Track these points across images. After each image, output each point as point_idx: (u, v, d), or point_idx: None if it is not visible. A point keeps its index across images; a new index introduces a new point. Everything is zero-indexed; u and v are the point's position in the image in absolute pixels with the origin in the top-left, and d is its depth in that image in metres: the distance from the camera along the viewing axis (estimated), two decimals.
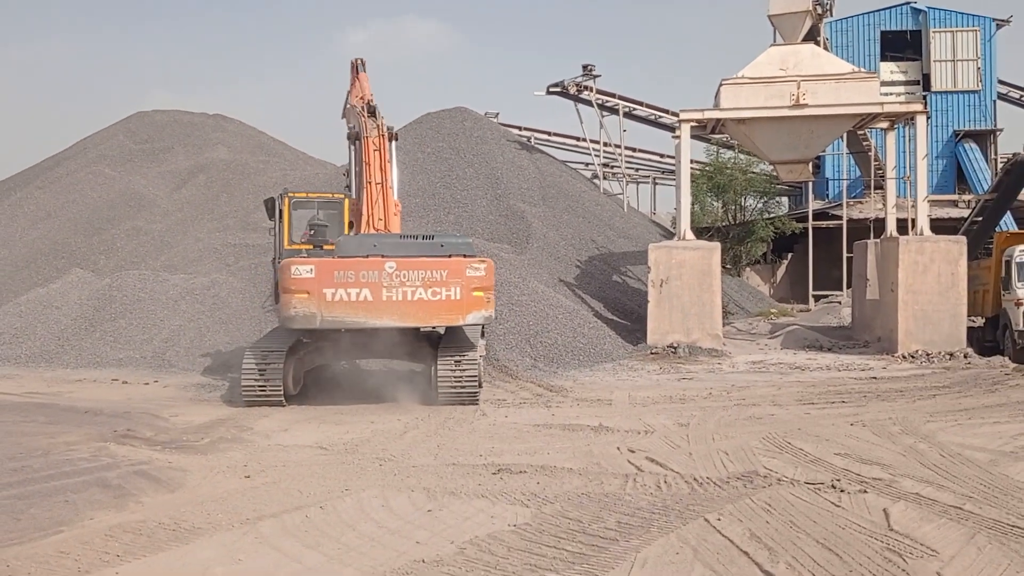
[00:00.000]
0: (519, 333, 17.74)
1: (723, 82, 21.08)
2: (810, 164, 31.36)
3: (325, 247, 13.52)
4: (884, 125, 21.65)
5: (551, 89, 34.23)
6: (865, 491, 7.69)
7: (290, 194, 14.22)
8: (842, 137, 30.55)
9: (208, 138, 32.60)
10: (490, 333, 16.68)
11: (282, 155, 33.09)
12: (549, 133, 39.07)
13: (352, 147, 14.09)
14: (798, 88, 20.13)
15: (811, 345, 21.15)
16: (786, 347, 21.10)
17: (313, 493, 7.46)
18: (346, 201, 14.21)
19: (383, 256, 12.16)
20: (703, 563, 5.90)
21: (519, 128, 37.80)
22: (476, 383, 12.70)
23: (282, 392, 12.26)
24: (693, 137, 31.62)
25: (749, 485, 7.97)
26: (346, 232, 13.96)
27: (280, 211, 14.01)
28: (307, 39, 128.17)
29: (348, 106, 15.43)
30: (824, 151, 34.12)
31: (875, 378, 15.70)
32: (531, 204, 27.36)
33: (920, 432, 10.34)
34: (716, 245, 20.70)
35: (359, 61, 15.95)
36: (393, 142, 13.68)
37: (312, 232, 14.11)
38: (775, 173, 24.81)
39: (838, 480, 8.05)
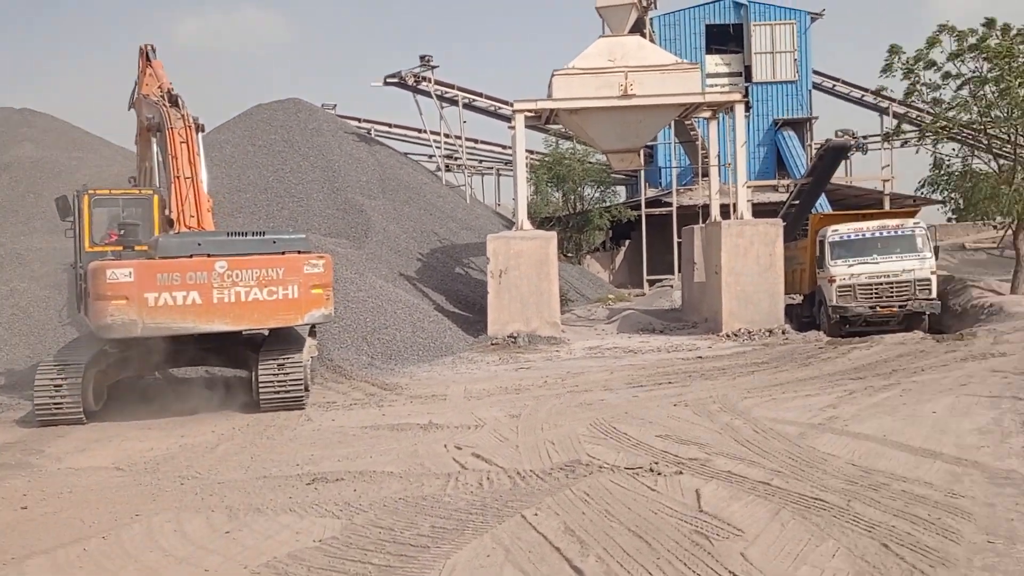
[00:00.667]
0: (355, 331, 17.24)
1: (555, 73, 21.24)
2: (641, 153, 32.32)
3: (137, 248, 12.56)
4: (707, 115, 22.47)
5: (389, 80, 33.66)
6: (681, 472, 7.79)
7: (90, 191, 13.11)
8: (670, 127, 31.64)
9: (13, 134, 30.01)
10: (324, 332, 16.11)
11: (99, 151, 30.87)
12: (389, 125, 38.49)
13: (153, 139, 13.15)
14: (626, 79, 20.54)
15: (645, 328, 21.72)
16: (622, 331, 21.57)
17: (98, 522, 6.80)
18: (155, 198, 13.25)
19: (210, 255, 11.39)
20: (513, 564, 5.74)
21: (358, 120, 37.01)
22: (301, 386, 12.14)
23: (81, 409, 11.27)
24: (532, 128, 31.85)
25: (571, 475, 7.92)
26: (156, 232, 13.01)
27: (79, 210, 12.89)
28: (136, 28, 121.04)
29: (140, 96, 14.42)
30: (655, 140, 35.29)
31: (701, 358, 16.23)
32: (370, 197, 26.78)
33: (737, 409, 10.67)
34: (552, 234, 20.88)
35: (149, 47, 14.95)
36: (200, 133, 12.84)
37: (122, 232, 13.06)
38: (608, 162, 25.31)
39: (656, 463, 8.13)
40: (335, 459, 9.10)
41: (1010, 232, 43.59)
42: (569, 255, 35.44)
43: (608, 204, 36.15)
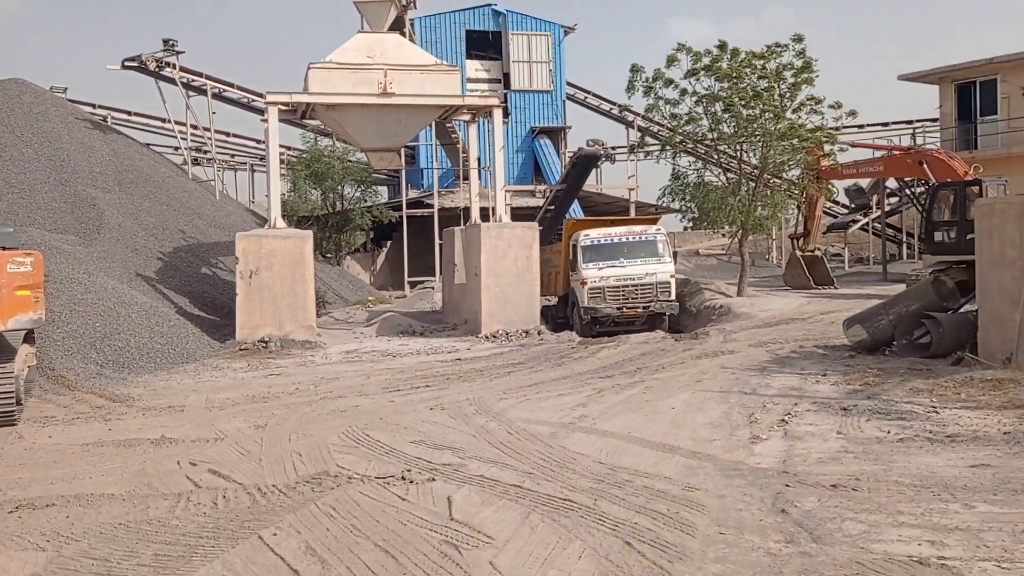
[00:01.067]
0: (82, 337, 15.51)
1: (311, 66, 20.46)
2: (402, 153, 32.04)
3: None
4: (467, 117, 22.62)
5: (127, 63, 30.97)
6: (433, 479, 7.56)
7: None
8: (431, 128, 31.68)
9: None
10: (45, 338, 14.34)
11: None
12: (129, 113, 35.45)
13: None
14: (385, 76, 20.18)
15: (405, 331, 21.47)
16: (381, 334, 21.17)
17: None
18: None
19: None
20: None
21: (92, 106, 33.77)
22: (11, 400, 10.65)
23: None
24: (287, 122, 30.68)
25: (317, 488, 7.45)
26: None
27: None
28: None
29: None
30: (416, 141, 35.23)
31: (460, 360, 16.21)
32: (104, 190, 24.39)
33: (493, 411, 10.66)
34: (308, 233, 20.07)
35: None
36: None
37: None
38: (368, 161, 24.82)
39: (408, 471, 7.85)
40: (47, 482, 7.99)
41: (736, 240, 48.21)
42: (328, 256, 34.43)
43: (369, 204, 35.54)
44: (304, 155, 34.77)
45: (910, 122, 40.99)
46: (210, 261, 25.03)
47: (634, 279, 21.46)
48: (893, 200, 36.84)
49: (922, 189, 34.94)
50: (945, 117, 30.09)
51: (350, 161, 34.10)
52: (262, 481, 7.80)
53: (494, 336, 19.43)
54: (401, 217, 34.01)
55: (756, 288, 26.11)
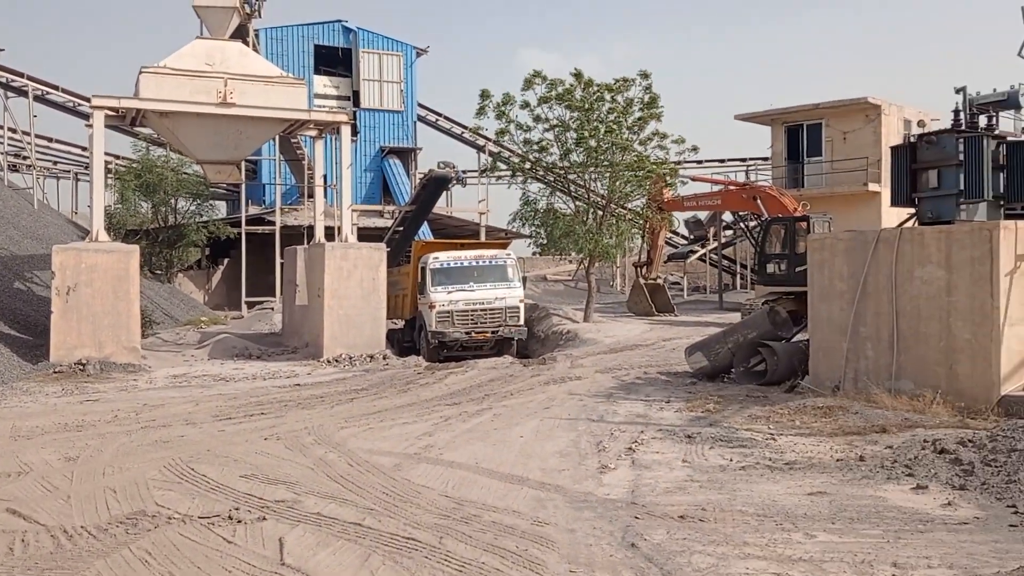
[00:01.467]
0: None
1: (143, 70, 19.17)
2: (242, 167, 30.73)
3: None
4: (313, 133, 21.86)
5: None
6: (264, 518, 6.94)
7: None
8: (275, 142, 30.53)
9: None
10: None
11: None
12: None
13: None
14: (225, 86, 19.17)
15: (240, 354, 20.34)
16: (214, 357, 19.96)
17: None
18: None
19: None
20: None
21: None
22: None
23: None
24: (116, 128, 28.66)
25: (132, 530, 6.68)
26: None
27: None
28: None
29: None
30: (258, 155, 33.91)
31: (299, 385, 15.43)
32: None
33: (333, 440, 10.07)
34: (134, 248, 18.70)
35: None
36: None
37: None
38: (204, 174, 23.50)
39: (237, 509, 7.19)
40: None
41: (583, 267, 49.24)
42: (158, 272, 32.42)
43: (205, 219, 33.79)
44: (134, 165, 32.66)
45: (744, 159, 43.38)
46: (25, 276, 22.95)
47: (483, 303, 21.32)
48: (728, 233, 38.67)
49: (755, 223, 36.97)
50: (776, 156, 31.88)
51: (185, 173, 32.33)
52: (69, 522, 6.94)
53: (337, 360, 18.70)
54: (240, 234, 32.50)
55: (602, 314, 26.56)
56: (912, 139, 11.96)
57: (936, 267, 10.97)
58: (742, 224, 37.56)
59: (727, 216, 37.06)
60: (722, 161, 42.60)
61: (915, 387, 11.05)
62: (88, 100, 30.65)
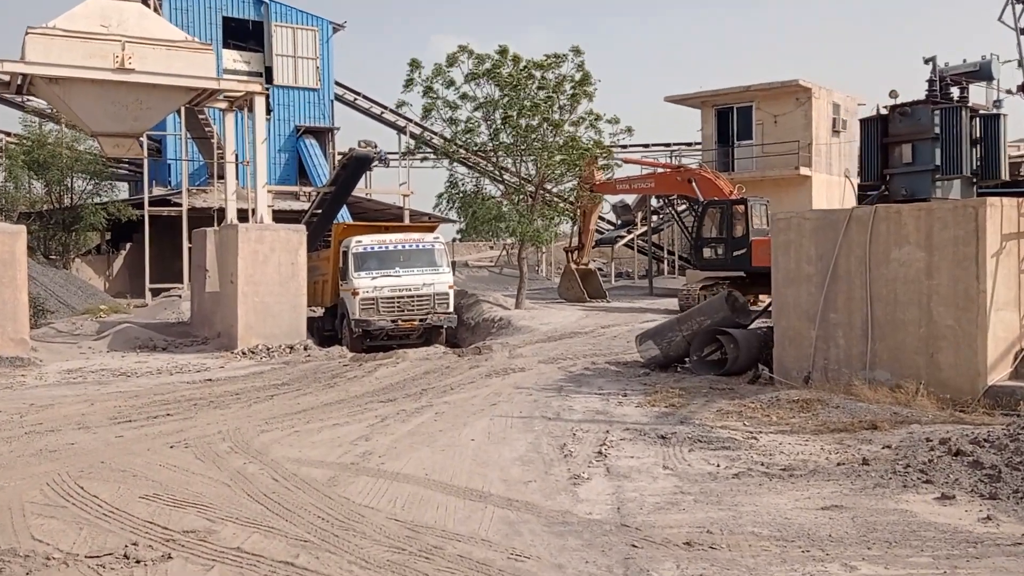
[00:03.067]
0: None
1: (29, 31, 17.08)
2: (144, 143, 28.52)
3: None
4: (223, 106, 20.03)
5: None
6: (170, 556, 5.56)
7: None
8: (180, 115, 28.34)
9: None
10: None
11: None
12: None
13: None
14: (123, 50, 17.23)
15: (144, 346, 18.48)
16: (114, 349, 18.06)
17: None
18: None
19: None
20: None
21: None
22: None
23: None
24: (5, 102, 26.19)
25: None
26: None
27: None
28: None
29: None
30: (163, 131, 31.60)
31: (211, 380, 13.83)
32: None
33: (252, 447, 8.65)
34: (19, 229, 16.69)
35: None
36: None
37: None
38: (99, 148, 21.37)
39: (135, 544, 5.77)
40: None
41: (505, 252, 48.10)
42: (53, 257, 29.86)
43: (105, 200, 31.26)
44: (24, 140, 29.94)
45: (668, 144, 42.87)
46: None
47: (410, 290, 20.06)
48: (656, 218, 38.06)
49: (684, 207, 36.50)
50: (706, 140, 31.32)
51: (90, 154, 29.76)
52: None
53: (253, 352, 17.07)
54: (143, 216, 30.16)
55: (532, 300, 25.45)
56: (884, 110, 11.14)
57: (915, 248, 10.18)
58: (671, 208, 37.14)
59: (654, 201, 36.51)
60: (646, 146, 41.95)
61: (892, 377, 10.26)
62: None
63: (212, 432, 9.52)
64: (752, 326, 13.19)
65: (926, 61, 11.47)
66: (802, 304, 11.27)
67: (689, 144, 41.31)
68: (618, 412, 10.02)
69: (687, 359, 13.48)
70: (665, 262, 40.44)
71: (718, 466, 7.51)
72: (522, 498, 6.73)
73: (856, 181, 31.93)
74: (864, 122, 11.30)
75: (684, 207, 36.44)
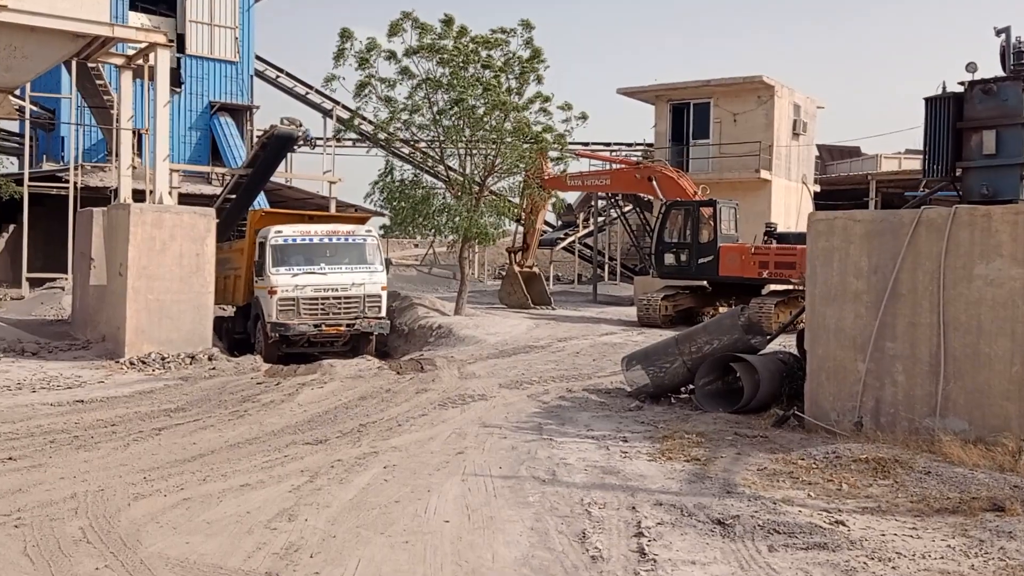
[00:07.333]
0: None
1: None
2: (27, 105, 24.80)
3: None
4: (119, 62, 16.76)
5: None
6: None
7: None
8: (70, 73, 24.63)
9: None
10: None
11: None
12: None
13: None
14: None
15: (9, 348, 15.13)
16: None
17: None
18: None
19: None
20: None
21: None
22: None
23: None
24: None
25: None
26: None
27: None
28: None
29: None
30: (57, 94, 27.75)
31: (81, 402, 10.76)
32: None
33: (116, 532, 5.80)
34: None
35: None
36: None
37: None
38: None
39: None
40: None
41: (432, 251, 45.21)
42: None
43: None
44: None
45: (608, 144, 40.65)
46: None
47: (337, 290, 17.30)
48: (600, 219, 35.85)
49: (629, 207, 34.37)
50: (660, 136, 29.18)
51: None
52: None
53: (144, 362, 13.96)
54: (34, 195, 26.30)
55: (470, 305, 22.80)
56: (959, 87, 8.90)
57: (1009, 262, 7.96)
58: (617, 209, 34.97)
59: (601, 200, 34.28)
60: (608, 144, 39.64)
61: (970, 428, 8.04)
62: None
63: (63, 496, 6.61)
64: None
65: (998, 32, 9.32)
66: (847, 329, 8.96)
67: (633, 144, 39.35)
68: (630, 470, 7.49)
69: (683, 388, 11.11)
70: (607, 267, 38.28)
71: None
72: None
73: (815, 188, 30.36)
74: (931, 101, 9.03)
75: (629, 207, 34.49)
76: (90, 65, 20.52)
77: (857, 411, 8.78)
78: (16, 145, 32.31)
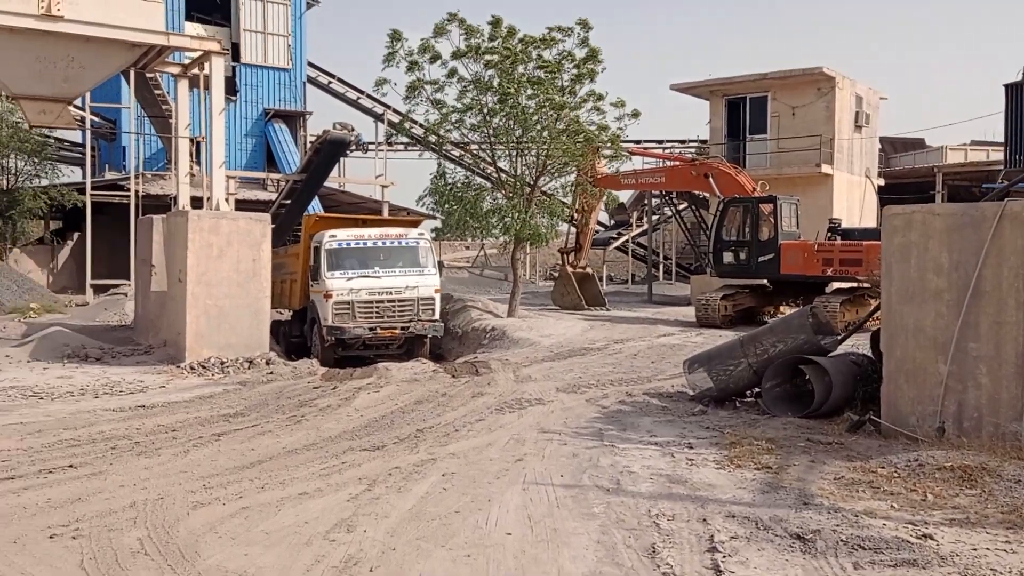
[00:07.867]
0: None
1: None
2: (87, 116, 25.25)
3: None
4: (175, 70, 16.95)
5: None
6: None
7: None
8: (129, 84, 25.06)
9: None
10: None
11: None
12: None
13: None
14: None
15: (74, 354, 15.35)
16: (36, 359, 14.92)
17: None
18: None
19: None
20: None
21: None
22: None
23: None
24: None
25: None
26: None
27: None
28: None
29: None
30: (118, 103, 28.33)
31: (143, 407, 10.81)
32: None
33: (175, 542, 5.70)
34: None
35: None
36: None
37: None
38: (22, 113, 18.15)
39: None
40: None
41: (484, 253, 45.12)
42: None
43: (47, 184, 27.94)
44: None
45: (660, 141, 40.08)
46: None
47: (391, 293, 17.32)
48: (655, 217, 35.40)
49: (684, 206, 33.82)
50: (715, 132, 28.66)
51: (22, 126, 26.44)
52: None
53: (203, 367, 14.05)
54: (97, 203, 26.86)
55: (523, 307, 22.59)
56: None
57: None
58: (671, 207, 34.45)
59: (655, 199, 33.82)
60: (660, 142, 39.08)
61: None
62: None
63: (123, 504, 6.56)
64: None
65: None
66: (927, 329, 8.51)
67: (704, 142, 38.63)
68: (698, 479, 7.18)
69: (748, 392, 10.73)
70: (661, 267, 37.75)
71: None
72: None
73: (879, 182, 29.43)
74: (1011, 89, 8.54)
75: (684, 206, 33.91)
76: (148, 75, 20.84)
77: (938, 415, 8.33)
78: (79, 155, 33.09)
